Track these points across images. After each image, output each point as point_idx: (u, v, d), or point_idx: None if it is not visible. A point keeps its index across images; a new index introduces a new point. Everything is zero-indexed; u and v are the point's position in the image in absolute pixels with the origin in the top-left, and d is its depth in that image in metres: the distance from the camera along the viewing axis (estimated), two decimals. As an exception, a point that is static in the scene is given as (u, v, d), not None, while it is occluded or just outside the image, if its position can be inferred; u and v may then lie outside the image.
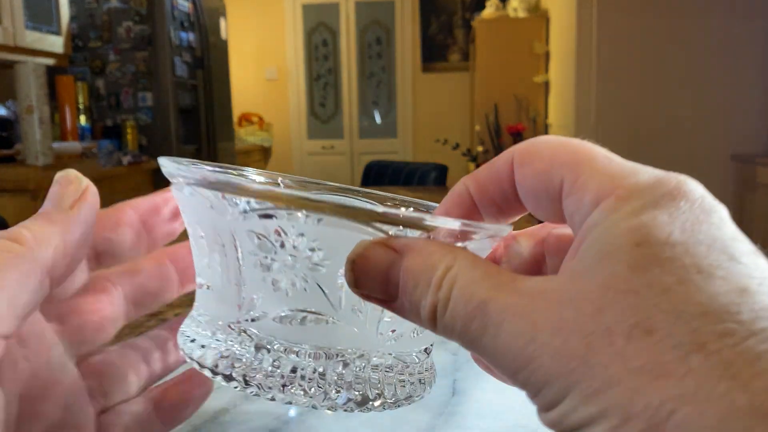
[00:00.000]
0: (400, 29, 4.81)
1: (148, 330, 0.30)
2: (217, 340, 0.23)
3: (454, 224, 0.21)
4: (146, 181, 2.75)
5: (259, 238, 0.21)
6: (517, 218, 0.24)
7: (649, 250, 0.16)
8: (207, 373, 0.23)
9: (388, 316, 0.22)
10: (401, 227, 0.20)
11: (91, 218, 0.24)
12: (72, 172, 0.24)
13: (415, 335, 0.24)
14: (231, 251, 0.22)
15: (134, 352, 0.28)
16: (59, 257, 0.22)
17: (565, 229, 0.23)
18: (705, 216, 0.17)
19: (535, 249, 0.24)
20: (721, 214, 0.17)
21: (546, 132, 3.47)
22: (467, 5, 4.65)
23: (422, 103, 4.85)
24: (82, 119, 2.84)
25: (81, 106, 2.84)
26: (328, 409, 0.22)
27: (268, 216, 0.21)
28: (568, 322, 0.16)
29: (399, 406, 0.23)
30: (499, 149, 3.45)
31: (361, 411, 0.23)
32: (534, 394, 0.17)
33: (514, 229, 0.24)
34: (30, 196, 2.06)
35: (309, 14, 4.91)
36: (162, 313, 0.54)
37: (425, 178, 2.45)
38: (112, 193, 2.11)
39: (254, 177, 0.28)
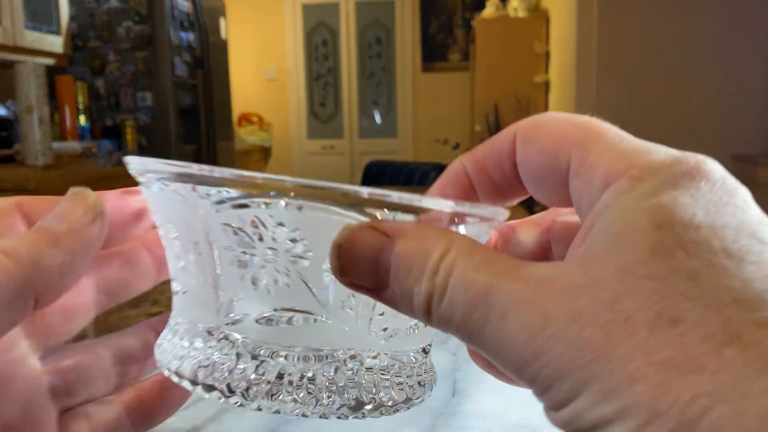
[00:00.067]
0: (400, 29, 4.81)
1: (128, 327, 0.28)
2: (196, 348, 0.21)
3: (444, 205, 0.19)
4: (146, 181, 2.75)
5: (234, 232, 0.20)
6: (516, 202, 0.22)
7: (671, 232, 0.15)
8: (186, 384, 0.21)
9: (381, 311, 0.21)
10: (386, 210, 0.19)
11: (95, 248, 0.22)
12: (89, 194, 0.22)
13: (410, 332, 0.22)
14: (206, 249, 0.21)
15: (105, 350, 0.26)
16: (53, 282, 0.20)
17: (571, 216, 0.22)
18: (729, 197, 0.16)
19: (540, 237, 0.23)
20: (744, 196, 0.16)
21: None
22: (467, 5, 4.65)
23: (422, 103, 4.85)
24: (82, 119, 2.84)
25: (81, 106, 2.83)
26: (320, 416, 0.20)
27: (243, 206, 0.19)
28: (582, 311, 0.14)
29: (397, 411, 0.22)
30: (499, 149, 3.43)
31: (355, 417, 0.21)
32: (542, 391, 0.15)
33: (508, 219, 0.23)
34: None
35: (309, 14, 4.90)
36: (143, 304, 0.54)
37: (425, 178, 2.45)
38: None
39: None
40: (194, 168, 0.19)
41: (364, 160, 3.66)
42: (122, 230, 0.25)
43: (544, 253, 0.22)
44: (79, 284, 0.24)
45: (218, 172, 0.19)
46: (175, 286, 0.23)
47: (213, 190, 0.19)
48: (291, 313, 0.20)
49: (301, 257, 0.19)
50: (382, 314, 0.21)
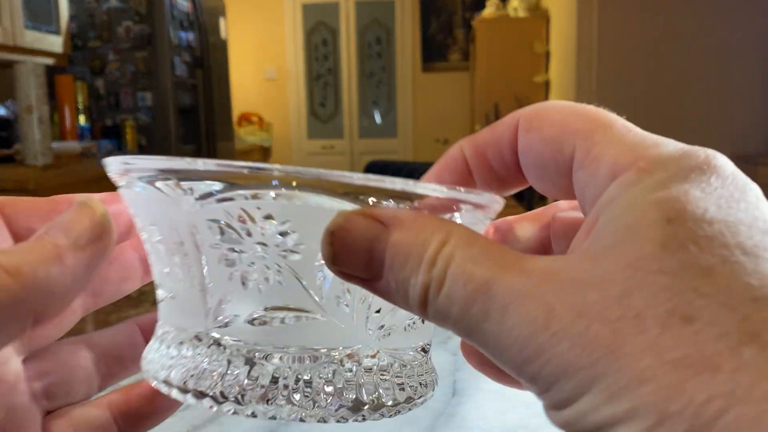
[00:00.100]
0: (400, 29, 4.80)
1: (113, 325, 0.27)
2: (184, 356, 0.20)
3: (437, 190, 0.18)
4: (146, 180, 2.75)
5: (220, 228, 0.19)
6: (514, 191, 0.21)
7: (683, 226, 0.14)
8: (176, 394, 0.20)
9: (378, 306, 0.20)
10: (373, 198, 0.18)
11: (101, 264, 0.20)
12: (97, 205, 0.20)
13: (409, 329, 0.21)
14: (191, 249, 0.19)
15: (88, 350, 0.24)
16: (55, 302, 0.19)
17: (573, 212, 0.21)
18: (740, 194, 0.15)
19: (539, 233, 0.22)
20: (756, 192, 0.15)
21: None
22: (467, 5, 4.64)
23: (422, 103, 4.85)
24: (82, 119, 2.84)
25: (80, 106, 2.83)
26: (318, 420, 0.19)
27: (229, 199, 0.18)
28: (589, 307, 0.14)
29: (398, 412, 0.21)
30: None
31: (355, 420, 0.20)
32: (544, 389, 0.14)
33: (497, 218, 0.22)
34: (29, 196, 2.06)
35: (309, 14, 4.90)
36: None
37: (425, 178, 2.45)
38: (111, 193, 2.10)
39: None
40: (177, 161, 0.18)
41: (364, 160, 3.66)
42: (123, 237, 0.24)
43: (543, 249, 0.22)
44: None
45: (202, 164, 0.18)
46: (160, 294, 0.22)
47: (197, 184, 0.18)
48: (283, 312, 0.19)
49: (292, 251, 0.18)
50: (378, 311, 0.20)
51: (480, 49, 3.70)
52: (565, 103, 0.19)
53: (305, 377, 0.19)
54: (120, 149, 2.79)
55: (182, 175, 0.18)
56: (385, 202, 0.18)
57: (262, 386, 0.19)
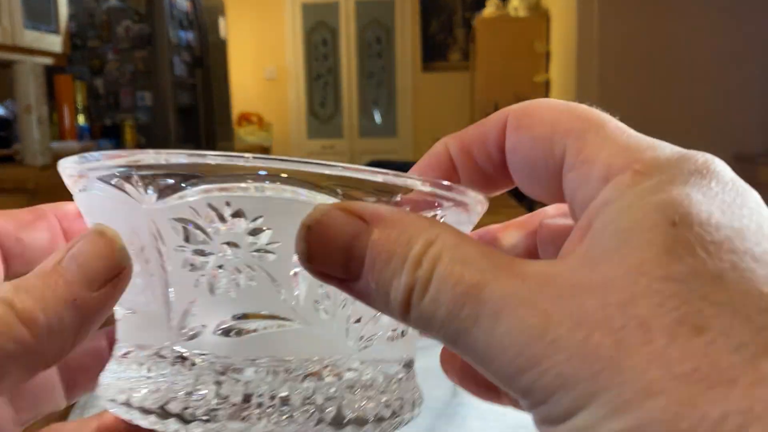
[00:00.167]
0: (400, 28, 4.80)
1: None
2: (145, 376, 0.18)
3: (416, 183, 0.17)
4: (145, 180, 2.75)
5: (185, 228, 0.17)
6: (500, 192, 0.20)
7: (689, 230, 0.13)
8: (137, 417, 0.18)
9: (359, 314, 0.18)
10: (353, 190, 0.16)
11: (111, 308, 0.19)
12: (116, 239, 0.18)
13: (391, 340, 0.20)
14: (153, 255, 0.18)
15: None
16: (66, 348, 0.18)
17: (561, 219, 0.20)
18: (741, 199, 0.14)
19: (526, 241, 0.21)
20: (756, 198, 0.15)
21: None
22: (467, 4, 4.64)
23: (422, 103, 4.85)
24: (81, 119, 2.83)
25: (79, 106, 2.83)
26: None
27: (194, 193, 0.16)
28: (589, 314, 0.13)
29: (384, 431, 0.19)
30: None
31: None
32: (538, 402, 0.13)
33: (476, 228, 0.21)
34: (29, 196, 2.06)
35: (309, 13, 4.90)
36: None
37: (425, 178, 2.45)
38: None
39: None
40: (138, 154, 0.17)
41: (364, 160, 3.66)
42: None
43: (530, 257, 0.21)
44: None
45: (165, 156, 0.16)
46: (118, 311, 0.20)
47: (159, 179, 0.17)
48: (256, 321, 0.17)
49: (265, 251, 0.17)
50: (359, 321, 0.18)
51: (480, 48, 3.70)
52: (556, 102, 0.18)
53: (281, 393, 0.18)
54: (119, 149, 2.79)
55: (144, 170, 0.17)
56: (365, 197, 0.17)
57: (233, 405, 0.17)
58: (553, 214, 0.21)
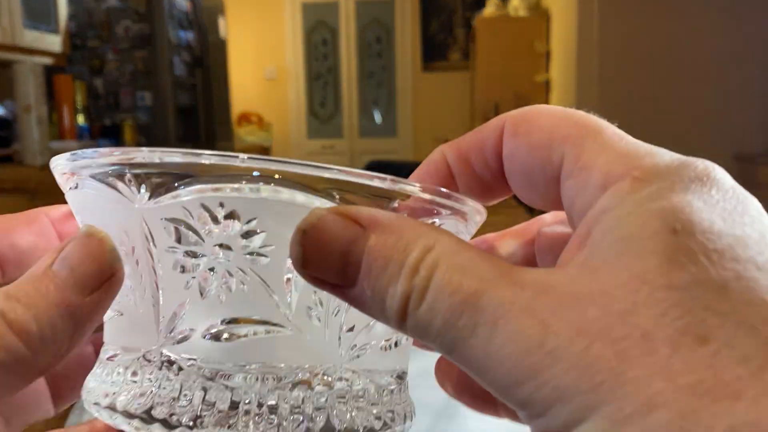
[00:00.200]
0: (400, 28, 4.80)
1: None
2: (131, 380, 0.18)
3: (415, 189, 0.17)
4: (145, 180, 2.75)
5: (177, 229, 0.17)
6: (498, 200, 0.20)
7: (691, 238, 0.13)
8: (120, 422, 0.17)
9: (351, 322, 0.18)
10: (335, 192, 0.16)
11: (103, 313, 0.19)
12: (107, 241, 0.18)
13: (384, 350, 0.19)
14: (144, 256, 0.17)
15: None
16: (59, 356, 0.18)
17: (559, 227, 0.20)
18: (742, 207, 0.14)
19: (523, 250, 0.21)
20: (756, 206, 0.15)
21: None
22: (468, 4, 4.64)
23: (422, 103, 4.84)
24: (80, 119, 2.83)
25: (79, 106, 2.83)
26: None
27: (187, 193, 0.16)
28: (590, 324, 0.13)
29: None
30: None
31: None
32: (536, 415, 0.13)
33: (479, 233, 0.21)
34: (28, 196, 2.05)
35: (308, 13, 4.90)
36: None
37: (425, 178, 2.45)
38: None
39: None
40: (131, 152, 0.17)
41: (364, 160, 3.66)
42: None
43: (528, 266, 0.21)
44: None
45: (159, 155, 0.16)
46: (107, 312, 0.20)
47: (152, 178, 0.16)
48: (246, 326, 0.17)
49: (259, 254, 0.17)
50: (352, 329, 0.18)
51: (480, 48, 3.69)
52: (554, 108, 0.18)
53: (270, 401, 0.17)
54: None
55: (138, 168, 0.17)
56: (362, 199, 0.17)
57: (219, 411, 0.17)
58: (550, 222, 0.21)
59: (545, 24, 3.56)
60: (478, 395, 0.21)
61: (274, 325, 0.17)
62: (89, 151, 0.18)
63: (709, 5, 2.62)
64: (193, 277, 0.17)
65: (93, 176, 0.18)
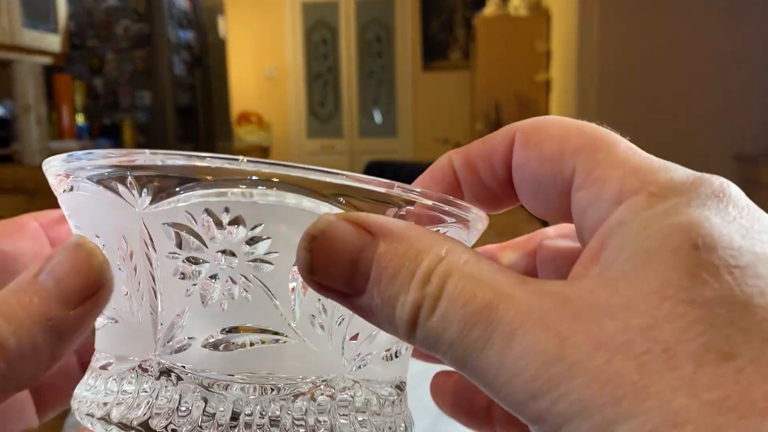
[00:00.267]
0: (401, 27, 4.80)
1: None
2: (126, 391, 0.17)
3: (420, 196, 0.17)
4: (145, 180, 2.75)
5: (178, 234, 0.16)
6: (503, 210, 0.20)
7: (713, 254, 0.13)
8: None
9: (355, 330, 0.17)
10: (342, 198, 0.16)
11: (89, 327, 0.18)
12: (96, 254, 0.17)
13: (386, 360, 0.19)
14: (142, 261, 0.17)
15: None
16: (40, 371, 0.17)
17: (561, 240, 0.20)
18: (759, 225, 0.14)
19: (524, 261, 0.21)
20: None
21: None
22: (468, 3, 4.64)
23: (422, 102, 4.84)
24: (80, 118, 2.83)
25: (78, 105, 2.83)
26: None
27: (190, 198, 0.16)
28: (610, 338, 0.12)
29: None
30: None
31: None
32: (552, 429, 0.13)
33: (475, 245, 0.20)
34: (28, 196, 2.05)
35: (308, 12, 4.89)
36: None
37: (425, 177, 2.44)
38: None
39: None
40: (132, 154, 0.16)
41: (364, 160, 3.65)
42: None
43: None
44: None
45: (161, 157, 0.16)
46: (98, 319, 0.19)
47: (154, 182, 0.16)
48: (248, 334, 0.17)
49: (263, 261, 0.16)
50: (355, 337, 0.18)
51: (481, 47, 3.69)
52: (565, 120, 0.18)
53: (271, 414, 0.17)
54: (117, 148, 2.79)
55: (139, 171, 0.16)
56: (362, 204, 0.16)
57: (220, 423, 0.16)
58: (553, 235, 0.21)
59: (546, 23, 3.56)
60: (476, 414, 0.21)
61: (276, 333, 0.17)
62: (84, 152, 0.17)
63: (709, 5, 2.62)
64: (194, 284, 0.17)
65: (90, 178, 0.17)
